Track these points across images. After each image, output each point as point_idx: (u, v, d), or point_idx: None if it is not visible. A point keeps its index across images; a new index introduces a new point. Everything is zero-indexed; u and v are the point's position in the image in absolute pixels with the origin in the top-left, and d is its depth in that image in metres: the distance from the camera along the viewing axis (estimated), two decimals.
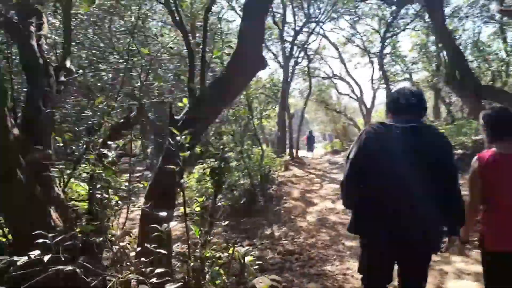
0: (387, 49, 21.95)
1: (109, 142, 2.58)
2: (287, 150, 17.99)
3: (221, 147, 2.68)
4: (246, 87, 3.95)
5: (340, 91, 28.25)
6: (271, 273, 4.88)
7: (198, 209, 2.76)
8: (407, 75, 23.38)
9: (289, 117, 18.84)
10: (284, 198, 8.82)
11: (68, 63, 4.29)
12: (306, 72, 22.24)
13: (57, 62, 4.45)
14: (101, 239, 2.39)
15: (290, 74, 18.71)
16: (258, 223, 7.40)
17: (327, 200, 8.83)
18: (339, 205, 8.31)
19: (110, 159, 2.59)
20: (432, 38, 20.66)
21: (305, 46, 20.20)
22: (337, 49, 24.03)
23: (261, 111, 16.58)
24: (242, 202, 8.35)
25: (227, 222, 2.79)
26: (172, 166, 2.65)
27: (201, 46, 3.27)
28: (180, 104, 2.66)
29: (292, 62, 19.10)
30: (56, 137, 3.28)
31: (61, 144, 3.29)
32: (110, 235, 2.45)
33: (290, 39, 19.24)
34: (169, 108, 3.05)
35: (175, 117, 3.03)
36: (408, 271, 2.58)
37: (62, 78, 4.08)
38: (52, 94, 3.44)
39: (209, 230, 2.72)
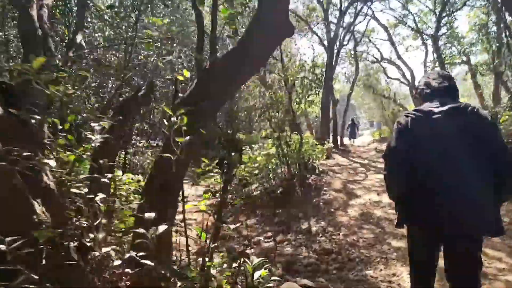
0: (443, 30, 20.40)
1: (92, 124, 2.08)
2: (331, 137, 17.13)
3: (233, 132, 2.12)
4: (269, 57, 3.33)
5: (390, 75, 26.59)
6: (303, 277, 4.31)
7: (203, 208, 2.22)
8: (464, 58, 21.64)
9: (333, 102, 17.88)
10: (325, 188, 8.13)
11: (79, 38, 3.87)
12: (353, 55, 21.09)
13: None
14: (75, 244, 1.91)
15: (335, 57, 17.68)
16: (295, 216, 6.80)
17: (372, 192, 8.03)
18: (385, 198, 7.51)
19: (93, 144, 2.09)
20: (493, 17, 18.95)
21: (352, 27, 19.04)
22: (387, 31, 22.53)
23: (303, 96, 15.82)
24: (278, 192, 7.79)
25: (238, 225, 2.23)
26: (167, 155, 2.13)
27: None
28: (180, 77, 2.12)
29: (337, 45, 18.05)
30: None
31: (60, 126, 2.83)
32: (88, 239, 1.96)
33: (335, 20, 18.17)
34: (174, 83, 2.52)
35: (180, 94, 2.50)
36: (460, 260, 2.46)
37: (70, 54, 3.68)
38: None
39: (215, 235, 2.18)
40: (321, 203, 7.27)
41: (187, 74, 2.14)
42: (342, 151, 16.05)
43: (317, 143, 11.43)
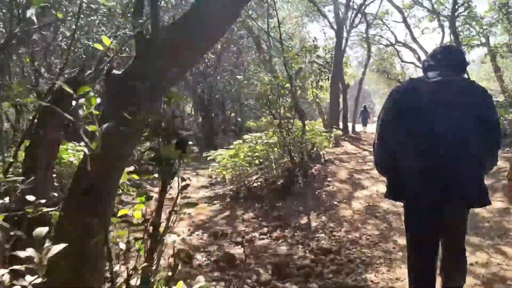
0: (460, 10, 19.38)
1: None
2: (341, 124, 16.47)
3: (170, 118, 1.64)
4: (227, 28, 2.79)
5: (404, 59, 25.60)
6: (293, 282, 3.81)
7: (138, 215, 1.74)
8: (483, 39, 20.58)
9: (343, 88, 17.15)
10: (328, 179, 7.58)
11: (29, 13, 3.38)
12: (365, 38, 20.26)
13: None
14: None
15: (344, 41, 16.89)
16: (294, 210, 6.30)
17: (379, 182, 7.42)
18: None
19: None
20: None
21: (362, 8, 18.17)
22: (401, 12, 21.54)
23: (313, 81, 15.18)
24: (279, 183, 7.29)
25: (181, 237, 1.75)
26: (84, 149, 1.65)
27: None
28: (98, 46, 1.63)
29: (347, 27, 17.25)
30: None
31: None
32: None
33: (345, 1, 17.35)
34: (109, 60, 2.03)
35: (115, 71, 1.99)
36: (449, 229, 2.48)
37: (17, 30, 3.20)
38: None
39: (150, 250, 1.69)
40: (323, 195, 6.75)
41: (108, 42, 1.65)
42: (353, 139, 15.41)
43: (324, 130, 10.84)
